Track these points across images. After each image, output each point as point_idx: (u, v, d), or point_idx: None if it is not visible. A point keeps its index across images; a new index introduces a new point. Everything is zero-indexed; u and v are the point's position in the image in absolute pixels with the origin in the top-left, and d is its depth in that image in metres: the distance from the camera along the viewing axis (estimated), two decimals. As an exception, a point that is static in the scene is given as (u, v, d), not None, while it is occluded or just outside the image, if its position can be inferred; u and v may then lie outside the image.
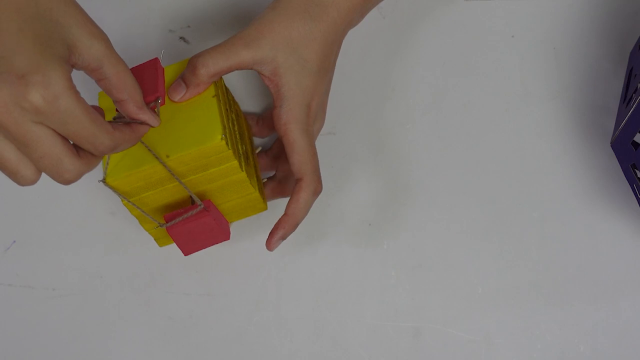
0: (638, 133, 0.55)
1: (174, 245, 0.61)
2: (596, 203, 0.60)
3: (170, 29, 0.66)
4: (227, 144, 0.50)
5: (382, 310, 0.59)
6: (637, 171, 0.57)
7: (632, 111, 0.54)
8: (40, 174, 0.43)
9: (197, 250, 0.54)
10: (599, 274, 0.59)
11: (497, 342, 0.58)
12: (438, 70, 0.64)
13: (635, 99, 0.55)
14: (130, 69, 0.49)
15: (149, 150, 0.49)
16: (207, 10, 0.67)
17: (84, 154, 0.44)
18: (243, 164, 0.53)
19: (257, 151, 0.61)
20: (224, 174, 0.52)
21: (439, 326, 0.59)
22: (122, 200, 0.51)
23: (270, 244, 0.54)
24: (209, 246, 0.54)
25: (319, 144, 0.61)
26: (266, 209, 0.58)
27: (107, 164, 0.50)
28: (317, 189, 0.54)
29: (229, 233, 0.55)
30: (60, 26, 0.42)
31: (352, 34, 0.61)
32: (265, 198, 0.58)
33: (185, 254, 0.54)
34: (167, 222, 0.51)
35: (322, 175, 0.60)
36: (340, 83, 0.64)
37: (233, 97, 0.58)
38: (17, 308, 0.60)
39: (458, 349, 0.58)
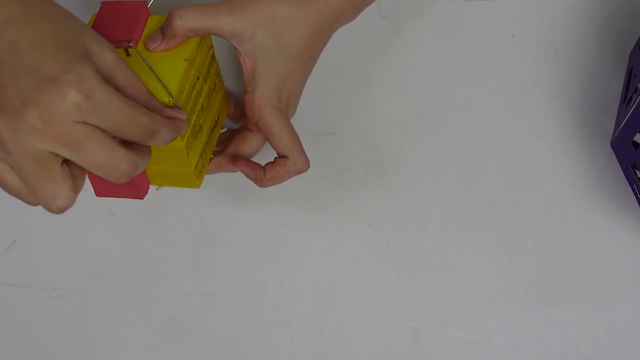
0: (638, 133, 0.55)
1: (173, 246, 0.61)
2: (596, 203, 0.60)
3: None
4: (173, 107, 0.49)
5: (382, 310, 0.59)
6: (637, 171, 0.57)
7: (632, 111, 0.55)
8: (76, 195, 0.43)
9: (109, 196, 0.52)
10: (599, 274, 0.59)
11: (497, 342, 0.58)
12: (438, 70, 0.64)
13: (635, 99, 0.55)
14: (112, 2, 0.48)
15: None
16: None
17: (129, 145, 0.44)
18: (187, 134, 0.52)
19: (223, 131, 0.60)
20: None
21: (439, 326, 0.59)
22: None
23: (237, 164, 0.56)
24: (121, 197, 0.52)
25: (319, 144, 0.61)
26: (198, 187, 0.56)
27: None
28: (303, 169, 0.55)
29: (144, 194, 0.53)
30: (75, 33, 0.42)
31: (352, 34, 0.61)
32: (201, 176, 0.56)
33: (97, 195, 0.52)
34: None
35: (322, 175, 0.60)
36: (340, 83, 0.64)
37: (219, 71, 0.57)
38: (17, 308, 0.60)
39: (458, 349, 0.58)
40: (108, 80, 0.43)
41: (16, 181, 0.43)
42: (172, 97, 0.48)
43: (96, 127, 0.41)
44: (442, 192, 0.61)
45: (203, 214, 0.62)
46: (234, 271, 0.60)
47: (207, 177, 0.60)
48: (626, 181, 0.59)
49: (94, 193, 0.52)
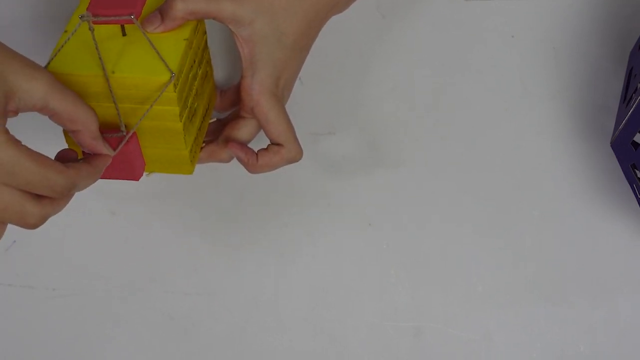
0: (638, 133, 0.55)
1: (173, 246, 0.61)
2: (596, 203, 0.60)
3: None
4: (175, 86, 0.49)
5: (382, 309, 0.59)
6: (637, 171, 0.57)
7: (632, 111, 0.55)
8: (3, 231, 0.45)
9: (102, 178, 0.51)
10: (599, 273, 0.59)
11: (497, 341, 0.58)
12: (438, 70, 0.64)
13: (635, 99, 0.55)
14: None
15: (99, 58, 0.48)
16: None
17: (45, 198, 0.45)
18: (185, 116, 0.52)
19: (212, 121, 0.60)
20: (160, 115, 0.50)
21: (439, 325, 0.59)
22: None
23: (230, 146, 0.55)
24: (115, 179, 0.52)
25: (319, 144, 0.61)
26: (191, 173, 0.56)
27: (57, 51, 0.49)
28: (296, 158, 0.55)
29: (140, 175, 0.53)
30: None
31: (352, 34, 0.61)
32: (194, 162, 0.56)
33: None
34: None
35: (322, 175, 0.60)
36: (340, 83, 0.64)
37: (210, 59, 0.57)
38: (17, 308, 0.60)
39: (458, 348, 0.58)
40: (42, 109, 0.45)
41: None
42: (173, 74, 0.48)
43: (5, 184, 0.42)
44: (442, 192, 0.61)
45: (202, 214, 0.62)
46: (233, 271, 0.60)
47: (206, 177, 0.60)
48: (626, 181, 0.59)
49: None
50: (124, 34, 0.51)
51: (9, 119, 0.43)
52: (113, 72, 0.48)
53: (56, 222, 0.62)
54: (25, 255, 0.62)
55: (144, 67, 0.48)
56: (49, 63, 0.49)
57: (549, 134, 0.62)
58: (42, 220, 0.45)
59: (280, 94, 0.54)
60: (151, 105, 0.49)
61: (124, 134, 0.50)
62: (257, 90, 0.53)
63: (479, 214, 0.61)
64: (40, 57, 0.55)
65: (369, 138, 0.63)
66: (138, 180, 0.52)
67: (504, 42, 0.64)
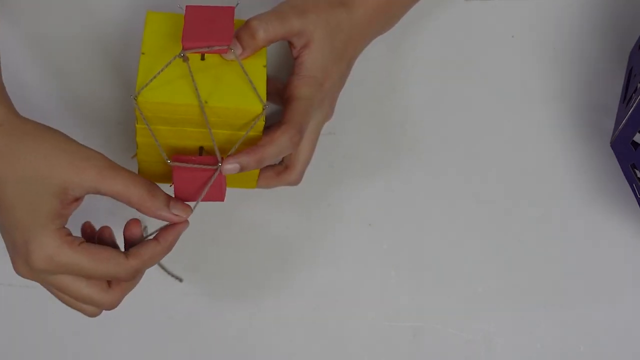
0: (638, 133, 0.55)
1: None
2: (596, 203, 0.60)
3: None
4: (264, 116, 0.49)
5: (382, 310, 0.59)
6: (636, 171, 0.57)
7: (632, 111, 0.55)
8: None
9: (189, 201, 0.51)
10: (599, 274, 0.59)
11: (497, 342, 0.58)
12: (438, 70, 0.64)
13: (635, 99, 0.55)
14: (197, 6, 0.50)
15: (195, 89, 0.48)
16: None
17: (114, 284, 0.49)
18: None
19: None
20: (244, 141, 0.51)
21: (439, 326, 0.59)
22: (136, 123, 0.50)
23: (225, 162, 0.50)
24: (203, 201, 0.51)
25: (319, 144, 0.61)
26: (255, 187, 0.57)
27: (145, 83, 0.49)
28: (294, 138, 0.51)
29: (224, 195, 0.52)
30: (46, 180, 0.46)
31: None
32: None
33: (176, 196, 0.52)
34: (179, 162, 0.50)
35: (322, 175, 0.60)
36: (340, 83, 0.64)
37: None
38: (17, 308, 0.60)
39: (458, 349, 0.58)
40: (97, 194, 0.48)
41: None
42: (265, 105, 0.49)
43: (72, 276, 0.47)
44: (442, 192, 0.61)
45: (204, 215, 0.62)
46: (234, 271, 0.60)
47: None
48: (626, 181, 0.59)
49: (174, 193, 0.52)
50: (202, 59, 0.51)
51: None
52: (206, 102, 0.49)
53: (56, 222, 0.62)
54: (25, 255, 0.62)
55: (236, 97, 0.49)
56: (139, 93, 0.49)
57: (549, 134, 0.62)
58: (116, 304, 0.50)
59: (321, 99, 0.54)
60: (246, 133, 0.50)
61: (219, 165, 0.50)
62: (296, 84, 0.53)
63: (479, 214, 0.61)
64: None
65: (369, 138, 0.63)
66: (224, 200, 0.53)
67: (504, 42, 0.64)
